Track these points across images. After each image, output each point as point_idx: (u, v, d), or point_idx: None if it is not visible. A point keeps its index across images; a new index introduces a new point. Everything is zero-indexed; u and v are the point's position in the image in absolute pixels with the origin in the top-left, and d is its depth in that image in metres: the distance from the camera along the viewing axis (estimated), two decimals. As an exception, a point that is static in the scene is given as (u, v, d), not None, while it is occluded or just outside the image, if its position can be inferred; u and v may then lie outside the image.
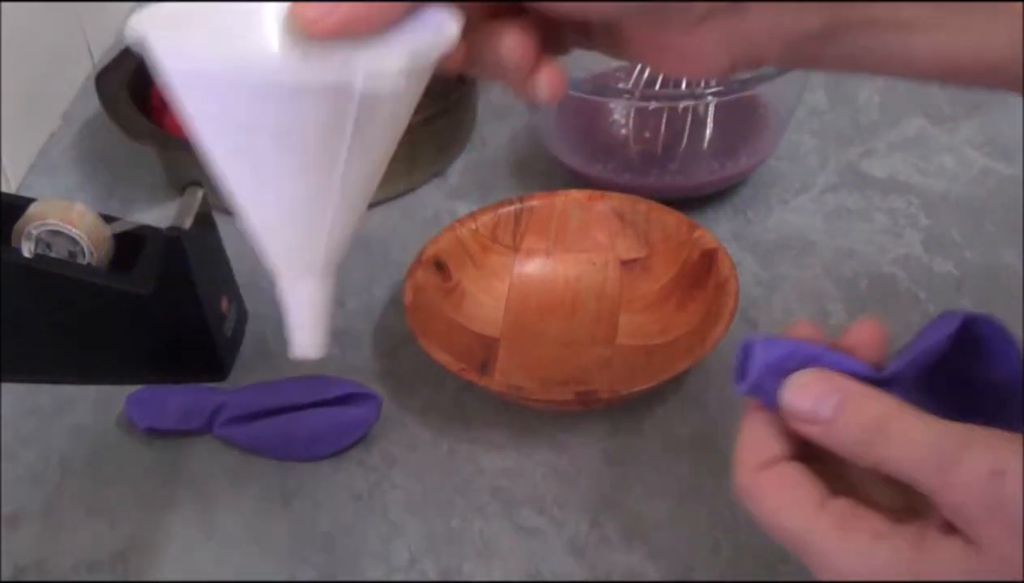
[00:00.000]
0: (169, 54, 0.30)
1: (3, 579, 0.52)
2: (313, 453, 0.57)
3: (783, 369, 0.36)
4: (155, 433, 0.58)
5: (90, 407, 0.61)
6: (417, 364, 0.60)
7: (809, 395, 0.35)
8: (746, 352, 0.37)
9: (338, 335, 0.64)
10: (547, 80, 0.36)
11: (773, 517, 0.36)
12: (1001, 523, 0.32)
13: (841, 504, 0.35)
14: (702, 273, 0.61)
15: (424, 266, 0.62)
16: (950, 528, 0.33)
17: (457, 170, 0.77)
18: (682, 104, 0.67)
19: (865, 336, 0.38)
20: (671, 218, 0.64)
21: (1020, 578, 0.32)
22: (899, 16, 0.34)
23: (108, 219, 0.61)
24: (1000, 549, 0.32)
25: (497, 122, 0.80)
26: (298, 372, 0.61)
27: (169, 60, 0.30)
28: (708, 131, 0.68)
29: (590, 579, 0.50)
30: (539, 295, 0.64)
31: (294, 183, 0.31)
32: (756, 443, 0.37)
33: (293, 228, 0.32)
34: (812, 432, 0.36)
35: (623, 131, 0.70)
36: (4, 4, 0.77)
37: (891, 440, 0.34)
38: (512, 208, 0.65)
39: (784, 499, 0.36)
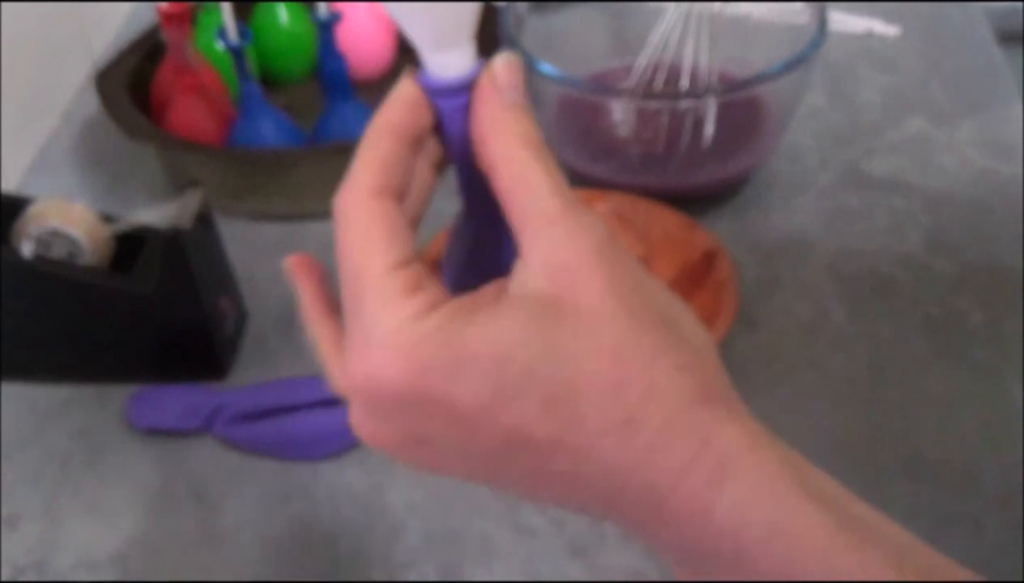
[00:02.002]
0: None
1: (3, 579, 0.52)
2: (313, 453, 0.57)
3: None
4: (155, 433, 0.58)
5: (90, 407, 0.61)
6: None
7: (517, 72, 0.32)
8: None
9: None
10: None
11: (350, 245, 0.33)
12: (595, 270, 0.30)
13: (420, 269, 0.32)
14: (702, 273, 0.61)
15: (424, 266, 0.61)
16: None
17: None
18: (683, 104, 0.67)
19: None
20: (671, 218, 0.64)
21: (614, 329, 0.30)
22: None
23: (108, 219, 0.61)
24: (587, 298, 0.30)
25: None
26: (298, 372, 0.62)
27: None
28: (708, 131, 0.68)
29: (590, 579, 0.50)
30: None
31: None
32: (390, 164, 0.33)
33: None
34: (485, 100, 0.32)
35: (623, 131, 0.70)
36: (4, 4, 0.77)
37: (531, 164, 0.31)
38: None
39: (378, 232, 0.32)
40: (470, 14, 0.31)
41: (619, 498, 0.30)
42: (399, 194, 0.34)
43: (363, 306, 0.32)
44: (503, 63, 0.32)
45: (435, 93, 0.33)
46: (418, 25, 0.31)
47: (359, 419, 0.33)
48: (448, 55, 0.32)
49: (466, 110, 0.33)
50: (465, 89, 0.32)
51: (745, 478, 0.30)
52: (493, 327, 0.30)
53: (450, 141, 0.34)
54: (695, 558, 0.31)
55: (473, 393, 0.29)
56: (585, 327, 0.30)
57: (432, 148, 0.35)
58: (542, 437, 0.30)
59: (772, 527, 0.29)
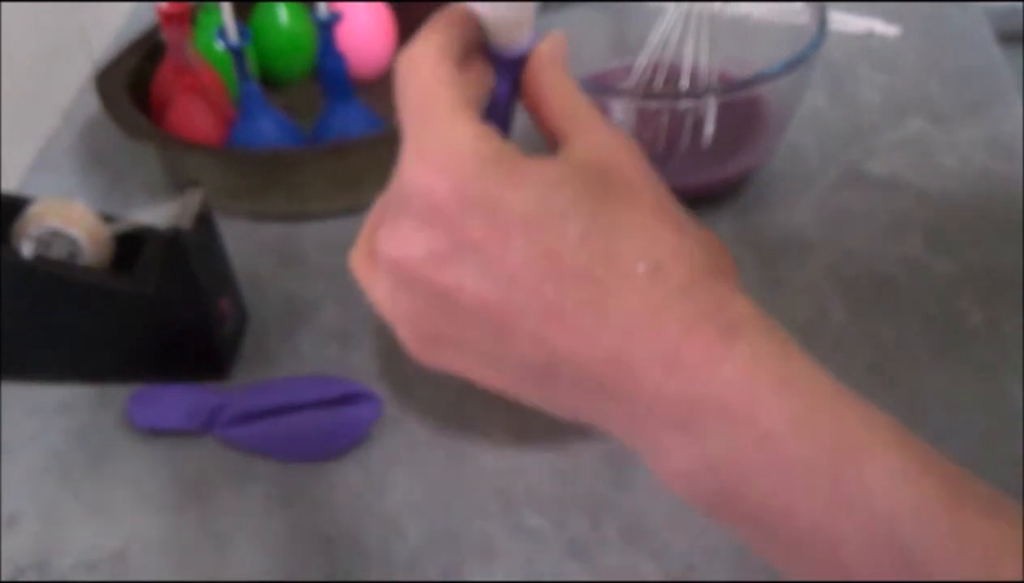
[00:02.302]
0: None
1: (3, 579, 0.52)
2: (313, 453, 0.57)
3: None
4: (155, 433, 0.58)
5: (90, 407, 0.61)
6: (417, 364, 0.60)
7: (563, 45, 0.38)
8: None
9: (338, 335, 0.64)
10: None
11: (418, 83, 0.34)
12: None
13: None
14: (702, 273, 0.61)
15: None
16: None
17: (457, 170, 0.77)
18: (683, 104, 0.67)
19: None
20: (671, 218, 0.64)
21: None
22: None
23: (108, 219, 0.61)
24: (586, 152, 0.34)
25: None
26: (298, 372, 0.62)
27: None
28: (708, 131, 0.68)
29: (590, 579, 0.50)
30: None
31: None
32: (449, 45, 0.35)
33: None
34: (541, 62, 0.37)
35: (623, 131, 0.70)
36: (4, 4, 0.77)
37: (580, 95, 0.37)
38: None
39: (447, 76, 0.34)
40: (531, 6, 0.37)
41: (631, 345, 0.32)
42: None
43: (428, 126, 0.33)
44: (554, 39, 0.37)
45: (502, 60, 0.38)
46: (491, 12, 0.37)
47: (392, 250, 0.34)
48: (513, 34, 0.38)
49: (516, 70, 0.38)
50: (523, 58, 0.38)
51: (756, 337, 0.32)
52: (549, 163, 0.33)
53: (496, 96, 0.39)
54: (699, 416, 0.31)
55: (523, 200, 0.32)
56: (628, 186, 0.34)
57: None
58: (572, 266, 0.32)
59: (782, 381, 0.31)
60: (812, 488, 0.31)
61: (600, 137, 0.35)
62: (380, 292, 0.36)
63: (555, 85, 0.37)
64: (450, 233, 0.32)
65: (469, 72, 0.36)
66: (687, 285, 0.32)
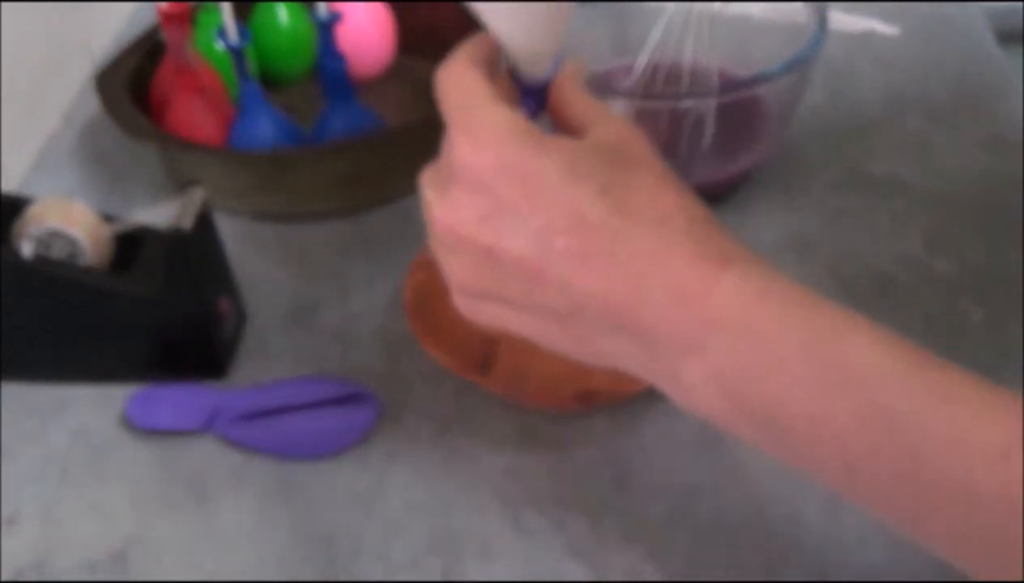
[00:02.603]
0: None
1: (3, 579, 0.52)
2: (313, 453, 0.57)
3: None
4: (155, 433, 0.58)
5: (90, 407, 0.61)
6: (417, 364, 0.60)
7: (582, 69, 0.46)
8: None
9: (338, 335, 0.64)
10: None
11: (456, 84, 0.41)
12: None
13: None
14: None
15: (424, 266, 0.62)
16: None
17: (457, 170, 0.77)
18: (683, 104, 0.67)
19: None
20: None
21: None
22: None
23: (108, 219, 0.61)
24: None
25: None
26: (298, 372, 0.62)
27: None
28: (708, 131, 0.68)
29: (590, 579, 0.50)
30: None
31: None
32: (482, 59, 0.43)
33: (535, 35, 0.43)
34: (564, 83, 0.45)
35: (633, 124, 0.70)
36: (4, 4, 0.77)
37: (596, 101, 0.44)
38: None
39: (482, 79, 0.41)
40: (556, 39, 0.44)
41: (642, 281, 0.38)
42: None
43: (472, 113, 0.40)
44: (574, 66, 0.45)
45: (526, 87, 0.46)
46: (518, 46, 0.43)
47: (447, 201, 0.41)
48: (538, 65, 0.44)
49: (540, 94, 0.45)
50: (546, 84, 0.45)
51: (745, 264, 0.38)
52: (573, 141, 0.41)
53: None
54: (703, 337, 0.37)
55: (553, 164, 0.38)
56: (637, 158, 0.40)
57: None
58: (593, 217, 0.38)
59: (768, 292, 0.37)
60: (801, 375, 0.36)
61: (614, 125, 0.42)
62: (439, 254, 0.42)
63: (576, 97, 0.44)
64: (492, 197, 0.39)
65: (498, 86, 0.43)
66: (687, 230, 0.38)
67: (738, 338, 0.36)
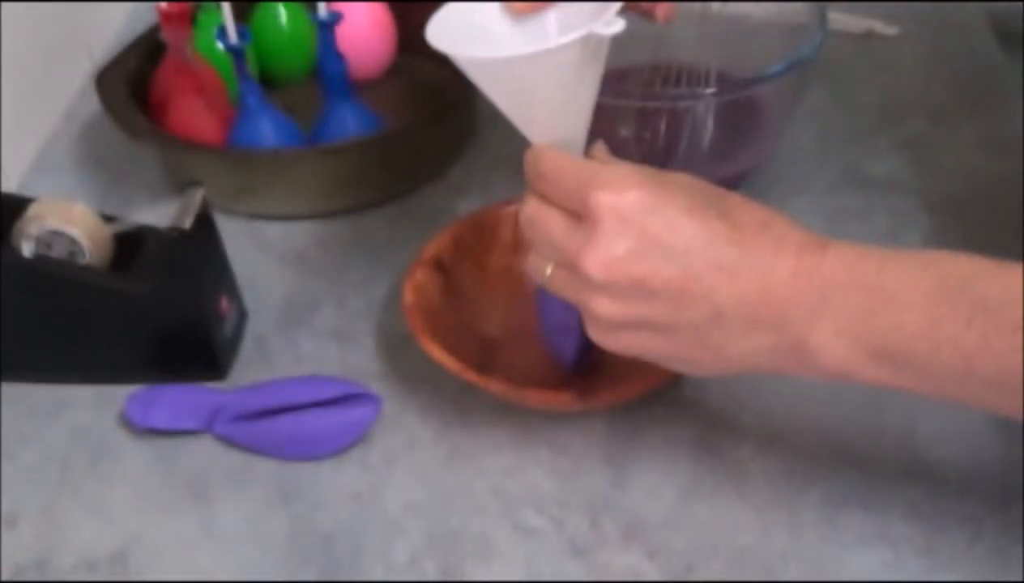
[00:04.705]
0: (468, 60, 0.47)
1: (3, 579, 0.52)
2: (313, 453, 0.57)
3: None
4: (155, 433, 0.58)
5: (90, 407, 0.61)
6: (417, 364, 0.60)
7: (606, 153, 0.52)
8: None
9: (338, 335, 0.64)
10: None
11: (562, 166, 0.48)
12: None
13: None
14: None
15: (424, 266, 0.62)
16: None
17: (457, 170, 0.77)
18: (682, 104, 0.67)
19: None
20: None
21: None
22: None
23: (108, 219, 0.61)
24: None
25: (497, 122, 0.80)
26: (298, 372, 0.62)
27: (469, 65, 0.47)
28: (708, 131, 0.68)
29: (590, 579, 0.50)
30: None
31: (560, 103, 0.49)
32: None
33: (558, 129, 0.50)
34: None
35: (623, 132, 0.70)
36: (4, 4, 0.77)
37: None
38: (512, 208, 0.65)
39: (566, 153, 0.49)
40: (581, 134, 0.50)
41: (769, 273, 0.45)
42: None
43: (592, 173, 0.47)
44: (598, 149, 0.51)
45: None
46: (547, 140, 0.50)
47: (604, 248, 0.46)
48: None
49: None
50: None
51: (839, 244, 0.45)
52: (682, 176, 0.48)
53: None
54: (825, 301, 0.44)
55: (681, 197, 0.46)
56: (719, 189, 0.48)
57: None
58: (721, 234, 0.45)
59: (866, 254, 0.45)
60: (910, 300, 0.43)
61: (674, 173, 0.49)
62: (582, 298, 0.48)
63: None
64: (637, 229, 0.45)
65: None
66: (788, 230, 0.46)
67: (853, 291, 0.44)
